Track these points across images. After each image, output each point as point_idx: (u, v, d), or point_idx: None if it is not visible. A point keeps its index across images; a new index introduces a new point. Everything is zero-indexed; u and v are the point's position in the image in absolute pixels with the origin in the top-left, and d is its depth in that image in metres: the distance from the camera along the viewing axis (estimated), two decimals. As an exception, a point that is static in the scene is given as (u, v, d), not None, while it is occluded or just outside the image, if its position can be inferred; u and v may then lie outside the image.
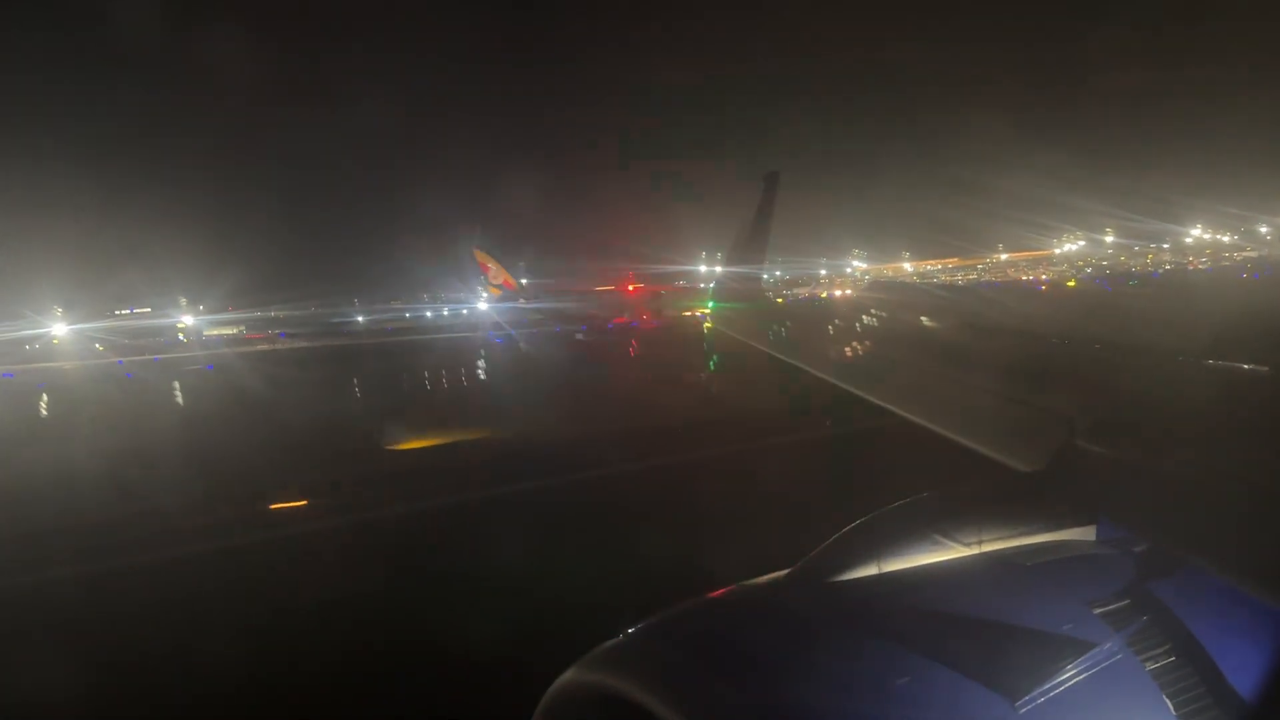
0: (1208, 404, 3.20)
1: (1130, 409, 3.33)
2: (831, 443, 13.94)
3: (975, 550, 2.02)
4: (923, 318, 8.11)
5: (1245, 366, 3.51)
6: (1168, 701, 1.54)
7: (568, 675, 1.66)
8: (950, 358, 5.48)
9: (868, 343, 7.54)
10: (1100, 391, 3.82)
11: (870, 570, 1.91)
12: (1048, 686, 1.49)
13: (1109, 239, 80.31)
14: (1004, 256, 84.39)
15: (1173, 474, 2.48)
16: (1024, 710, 1.45)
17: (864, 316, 8.68)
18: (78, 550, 11.01)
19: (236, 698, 6.79)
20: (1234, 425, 2.89)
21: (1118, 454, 2.68)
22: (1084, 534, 2.16)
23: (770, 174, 14.82)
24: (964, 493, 2.44)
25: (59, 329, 58.94)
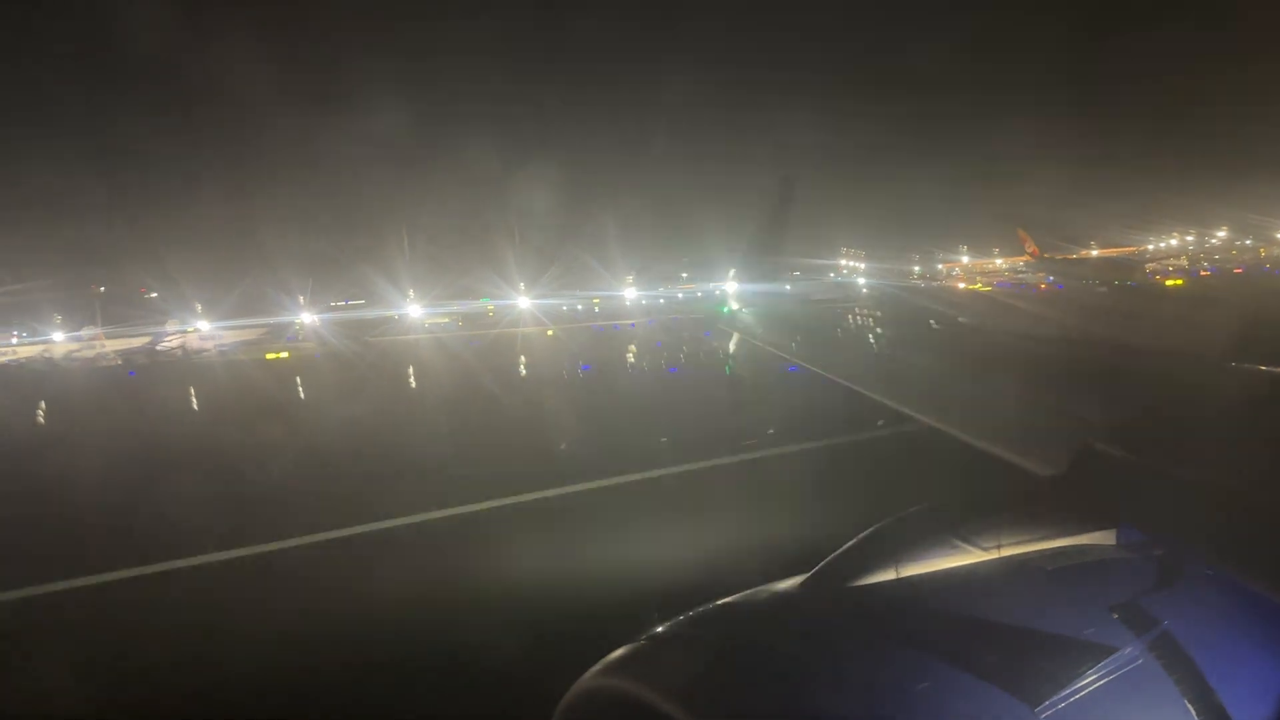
0: (1231, 407, 3.16)
1: (1151, 412, 3.30)
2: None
3: (994, 555, 2.00)
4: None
5: (1270, 369, 3.47)
6: (1190, 708, 1.53)
7: (585, 679, 1.67)
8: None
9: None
10: (1120, 394, 3.78)
11: (889, 575, 1.90)
12: (1068, 692, 1.48)
13: (1221, 233, 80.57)
14: (1095, 253, 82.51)
15: (1194, 478, 2.45)
16: (1044, 716, 1.44)
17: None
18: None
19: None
20: (1257, 429, 2.85)
21: (1139, 458, 2.66)
22: (1105, 539, 2.14)
23: (785, 177, 14.88)
24: (983, 497, 2.42)
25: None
